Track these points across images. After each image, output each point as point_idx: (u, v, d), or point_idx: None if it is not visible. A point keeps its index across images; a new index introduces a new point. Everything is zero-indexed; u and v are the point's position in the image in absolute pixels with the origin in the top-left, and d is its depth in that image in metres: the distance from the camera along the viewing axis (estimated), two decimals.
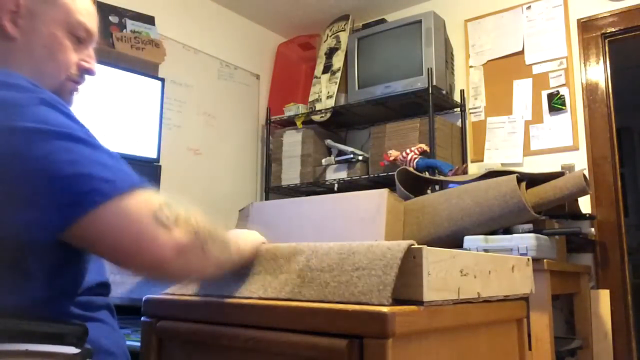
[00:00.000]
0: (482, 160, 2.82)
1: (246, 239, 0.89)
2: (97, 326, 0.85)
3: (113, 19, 2.55)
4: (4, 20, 0.80)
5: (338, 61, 3.15)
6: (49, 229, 0.66)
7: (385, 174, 2.74)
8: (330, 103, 3.08)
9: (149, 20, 2.69)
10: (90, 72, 0.90)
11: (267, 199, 3.20)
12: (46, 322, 0.69)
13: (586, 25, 2.65)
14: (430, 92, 2.67)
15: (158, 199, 0.71)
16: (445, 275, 0.73)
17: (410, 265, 0.69)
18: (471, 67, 2.97)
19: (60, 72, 0.86)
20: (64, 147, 0.67)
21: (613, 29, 2.58)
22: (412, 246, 0.69)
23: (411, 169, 2.13)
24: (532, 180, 1.68)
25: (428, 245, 0.71)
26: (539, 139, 2.69)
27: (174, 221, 0.69)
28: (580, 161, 2.54)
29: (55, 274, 0.75)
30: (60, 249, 0.71)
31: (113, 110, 2.23)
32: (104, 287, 0.93)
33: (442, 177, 2.27)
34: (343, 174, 2.96)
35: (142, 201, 0.69)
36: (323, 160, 3.06)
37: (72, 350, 0.68)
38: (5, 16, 0.80)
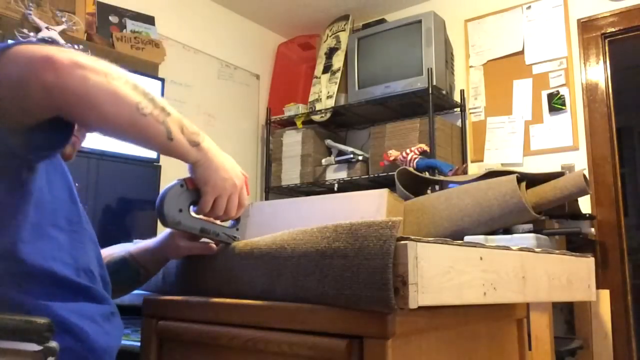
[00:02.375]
0: (482, 160, 2.82)
1: (217, 149, 0.86)
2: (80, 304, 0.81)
3: (113, 19, 2.55)
4: None
5: (338, 61, 3.15)
6: None
7: (385, 174, 2.74)
8: (330, 103, 3.08)
9: (149, 20, 2.69)
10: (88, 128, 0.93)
11: (267, 199, 3.20)
12: (5, 316, 0.65)
13: (586, 25, 2.65)
14: (430, 92, 2.67)
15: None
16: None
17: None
18: (471, 67, 2.97)
19: None
20: None
21: (613, 29, 2.58)
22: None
23: (411, 169, 2.13)
24: (532, 180, 1.68)
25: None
26: (539, 139, 2.69)
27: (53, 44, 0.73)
28: (580, 161, 2.54)
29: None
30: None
31: None
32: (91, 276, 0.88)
33: (442, 177, 2.27)
34: (343, 174, 2.96)
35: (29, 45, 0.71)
36: (323, 160, 3.06)
37: (33, 347, 0.65)
38: None
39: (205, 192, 0.84)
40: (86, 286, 0.82)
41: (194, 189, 0.85)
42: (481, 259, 0.74)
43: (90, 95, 0.71)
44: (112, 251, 1.04)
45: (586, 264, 1.07)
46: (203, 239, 0.95)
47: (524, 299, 0.84)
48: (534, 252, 0.89)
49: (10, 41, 0.74)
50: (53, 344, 0.66)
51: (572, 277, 0.99)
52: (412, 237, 0.65)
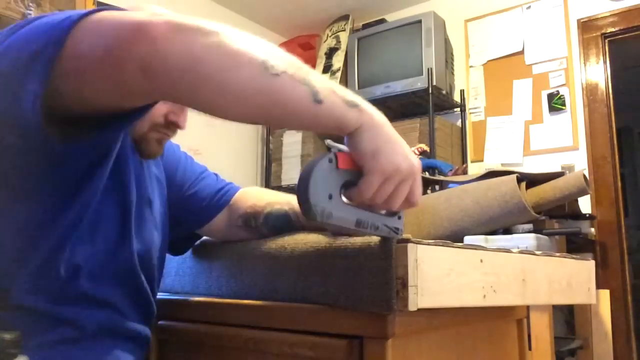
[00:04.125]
0: (482, 160, 2.82)
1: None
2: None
3: None
4: None
5: (338, 61, 3.15)
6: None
7: None
8: None
9: None
10: (178, 125, 0.83)
11: None
12: None
13: (586, 25, 2.65)
14: (430, 92, 2.67)
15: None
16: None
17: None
18: (471, 67, 2.97)
19: (144, 122, 0.80)
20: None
21: (613, 29, 2.58)
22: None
23: None
24: (532, 180, 1.68)
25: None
26: (539, 139, 2.69)
27: (141, 7, 0.59)
28: (580, 161, 2.54)
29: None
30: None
31: None
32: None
33: (442, 177, 2.27)
34: None
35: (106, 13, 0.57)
36: None
37: None
38: None
39: (372, 169, 0.63)
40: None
41: (348, 168, 0.64)
42: (481, 261, 0.74)
43: (202, 63, 0.54)
44: (270, 197, 0.93)
45: (586, 267, 1.07)
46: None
47: (524, 301, 0.84)
48: (535, 254, 0.89)
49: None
50: (21, 358, 0.59)
51: (572, 280, 0.99)
52: (413, 239, 0.65)
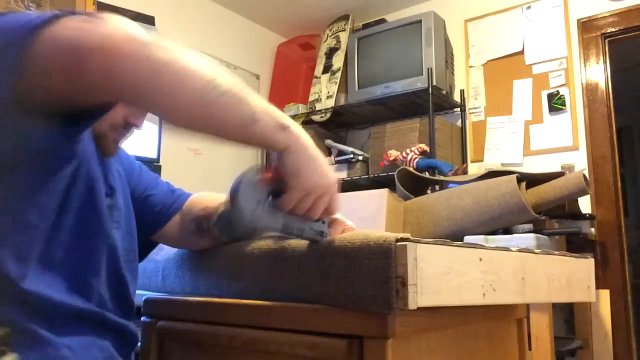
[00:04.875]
0: (482, 160, 2.82)
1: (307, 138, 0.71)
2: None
3: None
4: None
5: (338, 61, 3.15)
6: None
7: (385, 174, 2.74)
8: (330, 103, 3.08)
9: (149, 20, 2.69)
10: (136, 126, 0.87)
11: None
12: None
13: (586, 25, 2.65)
14: (430, 92, 2.67)
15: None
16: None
17: None
18: (471, 67, 2.97)
19: (104, 122, 0.82)
20: None
21: (613, 29, 2.58)
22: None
23: (411, 169, 2.13)
24: (532, 180, 1.68)
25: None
26: (539, 139, 2.69)
27: (102, 17, 0.62)
28: (580, 161, 2.54)
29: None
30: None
31: None
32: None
33: (442, 177, 2.28)
34: (343, 174, 2.96)
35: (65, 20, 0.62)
36: None
37: None
38: None
39: (293, 186, 0.70)
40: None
41: (275, 178, 0.71)
42: (481, 260, 0.74)
43: (158, 75, 0.61)
44: (223, 199, 0.95)
45: (586, 265, 1.07)
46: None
47: (523, 300, 0.84)
48: (534, 253, 0.89)
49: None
50: (10, 356, 0.61)
51: (572, 278, 0.99)
52: (412, 238, 0.65)
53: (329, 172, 0.74)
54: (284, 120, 0.69)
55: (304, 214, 0.73)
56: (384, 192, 1.66)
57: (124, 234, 0.88)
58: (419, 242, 0.65)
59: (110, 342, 0.80)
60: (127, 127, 0.86)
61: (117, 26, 0.62)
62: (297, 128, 0.71)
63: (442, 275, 0.67)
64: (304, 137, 0.71)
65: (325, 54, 3.25)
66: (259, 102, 0.67)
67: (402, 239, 0.65)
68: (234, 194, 0.69)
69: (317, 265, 0.74)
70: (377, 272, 0.66)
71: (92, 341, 0.77)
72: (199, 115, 0.64)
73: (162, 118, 0.69)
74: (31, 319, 0.68)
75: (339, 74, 3.11)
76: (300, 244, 0.79)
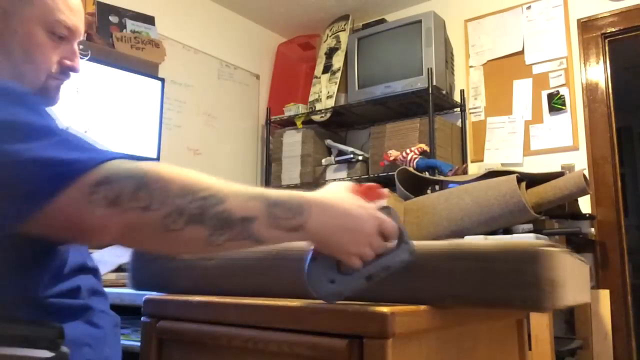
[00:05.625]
0: (482, 160, 2.82)
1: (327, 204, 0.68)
2: (76, 325, 0.81)
3: (113, 19, 2.55)
4: None
5: (338, 61, 3.15)
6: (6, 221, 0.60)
7: (385, 174, 2.74)
8: (330, 103, 3.08)
9: (149, 20, 2.69)
10: (73, 69, 0.88)
11: None
12: (16, 324, 0.64)
13: (586, 25, 2.65)
14: (430, 92, 2.67)
15: (98, 175, 0.60)
16: None
17: None
18: (471, 67, 2.98)
19: (40, 73, 0.84)
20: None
21: (613, 29, 2.58)
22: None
23: (411, 169, 2.13)
24: (532, 180, 1.68)
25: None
26: (539, 139, 2.69)
27: (112, 200, 0.60)
28: (580, 161, 2.54)
29: (22, 272, 0.72)
30: (23, 244, 0.67)
31: (113, 110, 2.22)
32: (88, 270, 0.89)
33: (442, 177, 2.28)
34: (343, 174, 2.96)
35: (74, 190, 0.60)
36: (323, 160, 3.06)
37: (45, 354, 0.63)
38: None
39: (345, 259, 0.70)
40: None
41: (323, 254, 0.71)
42: None
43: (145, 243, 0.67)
44: None
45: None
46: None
47: None
48: None
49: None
50: (64, 349, 0.65)
51: None
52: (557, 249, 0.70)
53: (359, 224, 0.69)
54: (294, 221, 0.65)
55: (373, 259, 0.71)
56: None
57: None
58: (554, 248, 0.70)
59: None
60: (64, 71, 0.87)
61: (120, 210, 0.61)
62: (309, 215, 0.66)
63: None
64: (323, 216, 0.67)
65: (325, 54, 3.25)
66: (261, 223, 0.64)
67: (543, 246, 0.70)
68: (311, 288, 0.71)
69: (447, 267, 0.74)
70: (523, 274, 0.68)
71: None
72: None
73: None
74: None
75: (339, 74, 3.11)
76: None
